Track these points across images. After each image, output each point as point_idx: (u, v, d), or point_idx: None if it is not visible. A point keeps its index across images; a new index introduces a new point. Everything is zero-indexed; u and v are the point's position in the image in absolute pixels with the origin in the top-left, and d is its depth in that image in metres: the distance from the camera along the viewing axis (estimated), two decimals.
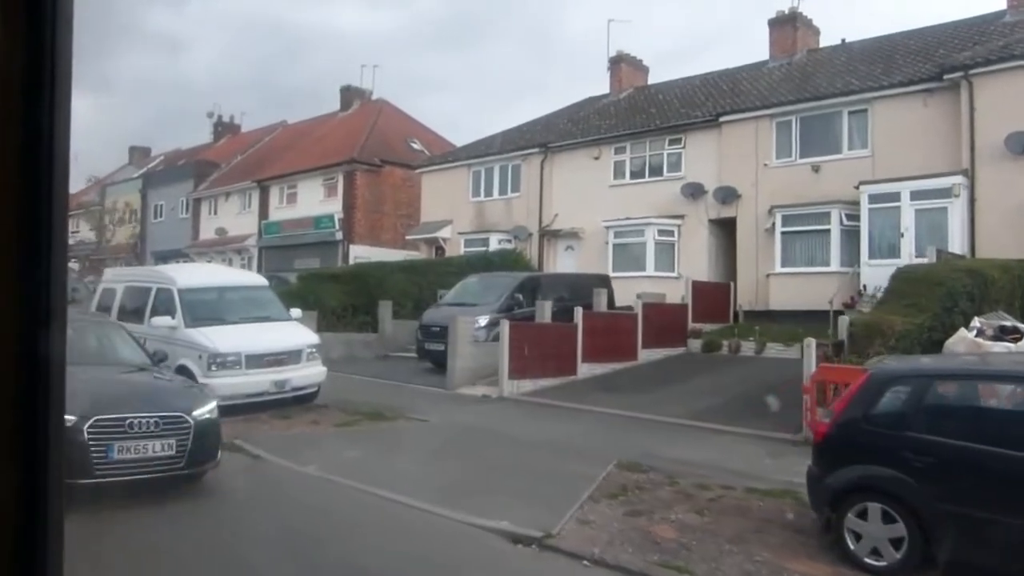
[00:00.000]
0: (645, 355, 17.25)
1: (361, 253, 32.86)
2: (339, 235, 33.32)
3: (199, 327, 11.91)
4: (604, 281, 19.68)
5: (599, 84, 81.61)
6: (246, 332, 12.13)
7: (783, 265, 19.34)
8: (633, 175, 23.54)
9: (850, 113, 19.15)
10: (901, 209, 17.20)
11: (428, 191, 29.55)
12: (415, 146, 36.94)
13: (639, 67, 28.79)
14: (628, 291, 19.59)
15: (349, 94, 40.95)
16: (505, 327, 14.15)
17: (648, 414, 12.20)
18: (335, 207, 33.86)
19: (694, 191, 21.56)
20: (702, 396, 13.40)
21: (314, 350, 12.55)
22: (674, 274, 21.93)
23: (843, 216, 18.43)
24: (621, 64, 28.21)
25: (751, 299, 20.28)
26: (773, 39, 24.25)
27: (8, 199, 1.00)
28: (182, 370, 11.69)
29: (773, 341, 17.31)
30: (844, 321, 12.64)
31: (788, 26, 23.89)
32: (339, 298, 19.37)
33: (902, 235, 17.15)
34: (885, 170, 17.99)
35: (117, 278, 14.72)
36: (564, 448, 10.04)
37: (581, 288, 18.88)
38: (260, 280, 13.87)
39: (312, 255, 33.77)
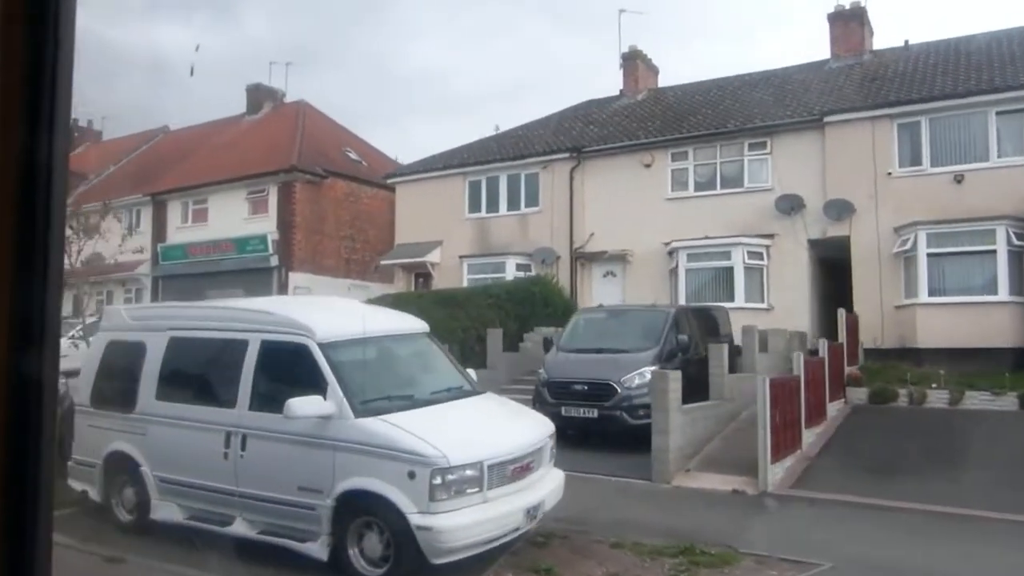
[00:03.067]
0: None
1: (303, 283, 26.60)
2: (274, 260, 26.79)
3: (378, 415, 6.34)
4: (726, 314, 15.48)
5: (448, 116, 77.90)
6: (461, 420, 6.72)
7: (931, 294, 16.00)
8: (699, 186, 19.53)
9: (998, 114, 16.27)
10: None
11: (406, 207, 24.02)
12: (352, 156, 31.13)
13: (650, 66, 25.07)
14: None
15: (258, 94, 34.05)
16: (764, 385, 9.45)
17: None
18: (267, 226, 27.30)
19: (793, 205, 17.87)
20: None
21: (553, 443, 7.29)
22: (764, 305, 18.12)
23: (1012, 235, 15.39)
24: (637, 61, 24.33)
25: (875, 335, 16.79)
26: (835, 36, 21.27)
27: (6, 215, 0.95)
28: (359, 501, 6.13)
29: (972, 389, 13.81)
30: None
31: (855, 23, 21.03)
32: None
33: None
34: None
35: (145, 322, 8.10)
36: None
37: (712, 324, 14.61)
38: (419, 324, 8.18)
39: (234, 285, 26.66)
